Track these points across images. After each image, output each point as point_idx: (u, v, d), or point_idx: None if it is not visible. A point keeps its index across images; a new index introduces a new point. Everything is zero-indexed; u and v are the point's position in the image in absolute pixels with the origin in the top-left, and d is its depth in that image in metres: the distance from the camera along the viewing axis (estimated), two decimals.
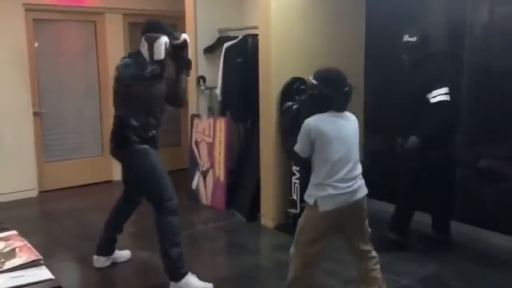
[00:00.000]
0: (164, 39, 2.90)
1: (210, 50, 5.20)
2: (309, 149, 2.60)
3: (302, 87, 4.33)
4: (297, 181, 4.22)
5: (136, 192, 3.45)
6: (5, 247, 1.90)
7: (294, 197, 4.26)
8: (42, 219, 4.83)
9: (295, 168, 4.23)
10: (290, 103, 2.74)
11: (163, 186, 3.15)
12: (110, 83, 5.88)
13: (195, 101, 5.32)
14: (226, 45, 4.98)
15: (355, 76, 4.84)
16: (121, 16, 5.96)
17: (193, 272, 3.26)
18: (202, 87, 5.23)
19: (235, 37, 5.00)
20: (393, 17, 4.46)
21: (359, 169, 2.65)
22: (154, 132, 3.21)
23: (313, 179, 2.65)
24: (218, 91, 5.12)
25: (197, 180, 5.26)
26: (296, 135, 2.68)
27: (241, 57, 4.85)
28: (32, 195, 5.47)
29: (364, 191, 2.67)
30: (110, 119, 5.89)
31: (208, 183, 5.13)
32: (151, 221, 3.20)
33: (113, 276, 3.58)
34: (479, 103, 4.06)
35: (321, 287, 3.34)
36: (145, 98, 3.08)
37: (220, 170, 4.97)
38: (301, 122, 2.66)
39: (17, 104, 5.30)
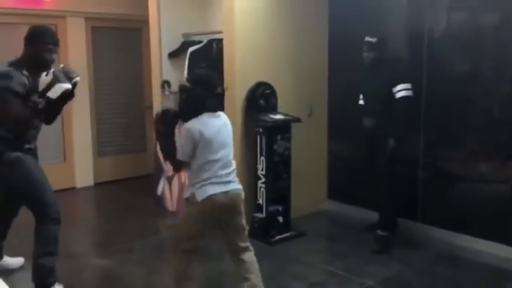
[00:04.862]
0: (68, 87, 2.91)
1: (175, 54, 5.17)
2: (192, 153, 2.73)
3: (267, 91, 4.37)
4: (263, 185, 4.24)
5: (15, 203, 3.35)
6: None
7: (260, 201, 4.27)
8: None
9: (261, 173, 4.24)
10: (167, 109, 2.94)
11: (43, 194, 3.05)
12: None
13: (159, 106, 5.27)
14: (190, 49, 4.95)
15: (320, 78, 4.93)
16: (83, 20, 5.85)
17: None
18: (167, 92, 5.18)
19: (199, 42, 4.99)
20: (355, 21, 4.56)
21: (233, 166, 2.85)
22: (31, 145, 3.14)
23: (192, 180, 2.77)
24: None
25: (162, 186, 5.21)
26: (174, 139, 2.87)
27: (206, 62, 4.83)
28: None
29: (237, 185, 2.83)
30: (72, 124, 5.94)
31: (174, 189, 5.09)
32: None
33: None
34: (437, 106, 4.18)
35: None
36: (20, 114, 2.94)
37: (185, 176, 4.93)
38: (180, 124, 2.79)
39: None
